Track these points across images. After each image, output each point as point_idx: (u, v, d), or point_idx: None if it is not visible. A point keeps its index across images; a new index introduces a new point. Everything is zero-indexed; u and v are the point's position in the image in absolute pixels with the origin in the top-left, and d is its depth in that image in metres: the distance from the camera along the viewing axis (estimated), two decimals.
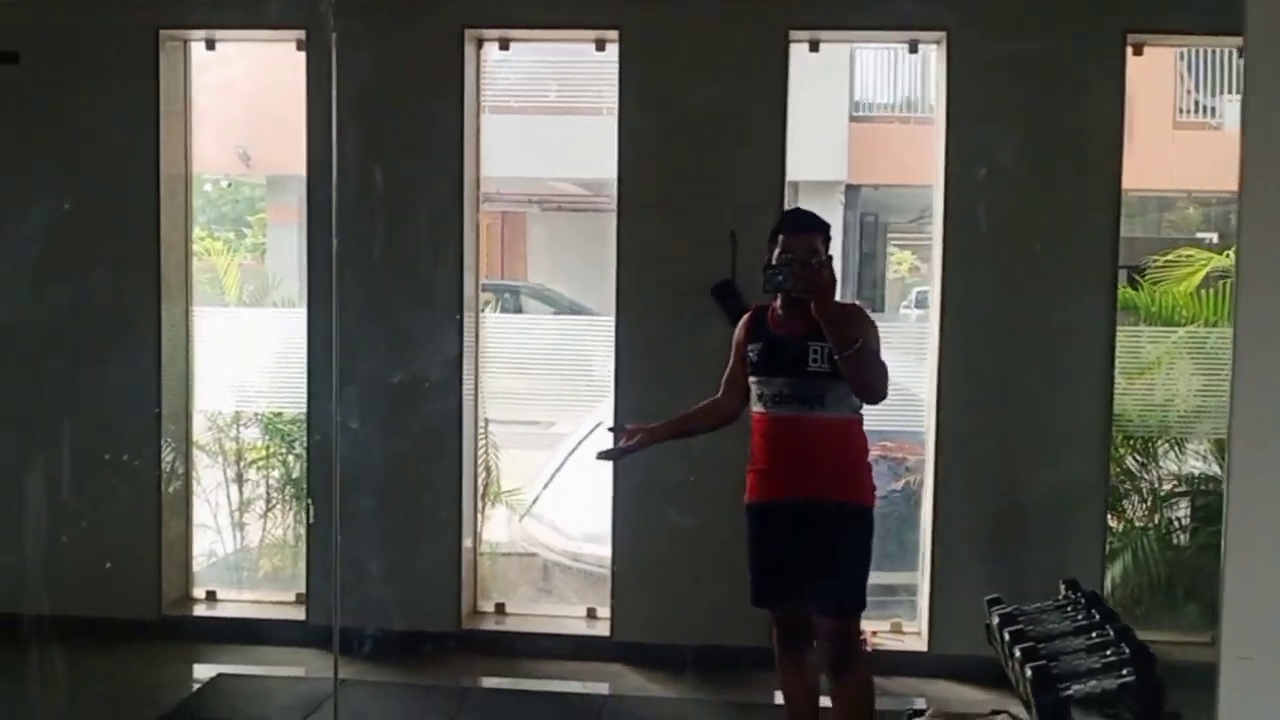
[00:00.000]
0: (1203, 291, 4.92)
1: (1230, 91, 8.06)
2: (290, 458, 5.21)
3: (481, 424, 4.84)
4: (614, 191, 4.49)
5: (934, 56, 4.72)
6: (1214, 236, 7.40)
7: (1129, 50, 4.26)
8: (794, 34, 4.35)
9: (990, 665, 4.27)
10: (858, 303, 3.93)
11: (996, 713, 2.54)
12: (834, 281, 3.17)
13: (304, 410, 4.71)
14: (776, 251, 3.29)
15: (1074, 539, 4.36)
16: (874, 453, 5.33)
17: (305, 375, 4.56)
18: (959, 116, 4.34)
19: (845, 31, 4.72)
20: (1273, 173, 1.52)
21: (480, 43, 4.53)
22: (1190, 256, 5.25)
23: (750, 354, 3.37)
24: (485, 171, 4.65)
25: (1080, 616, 2.49)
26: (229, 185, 9.97)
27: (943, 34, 4.34)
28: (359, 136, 4.30)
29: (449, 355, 4.47)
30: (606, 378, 4.54)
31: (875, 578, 5.00)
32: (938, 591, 4.46)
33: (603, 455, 3.60)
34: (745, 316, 3.54)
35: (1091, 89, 4.30)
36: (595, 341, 4.87)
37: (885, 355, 3.30)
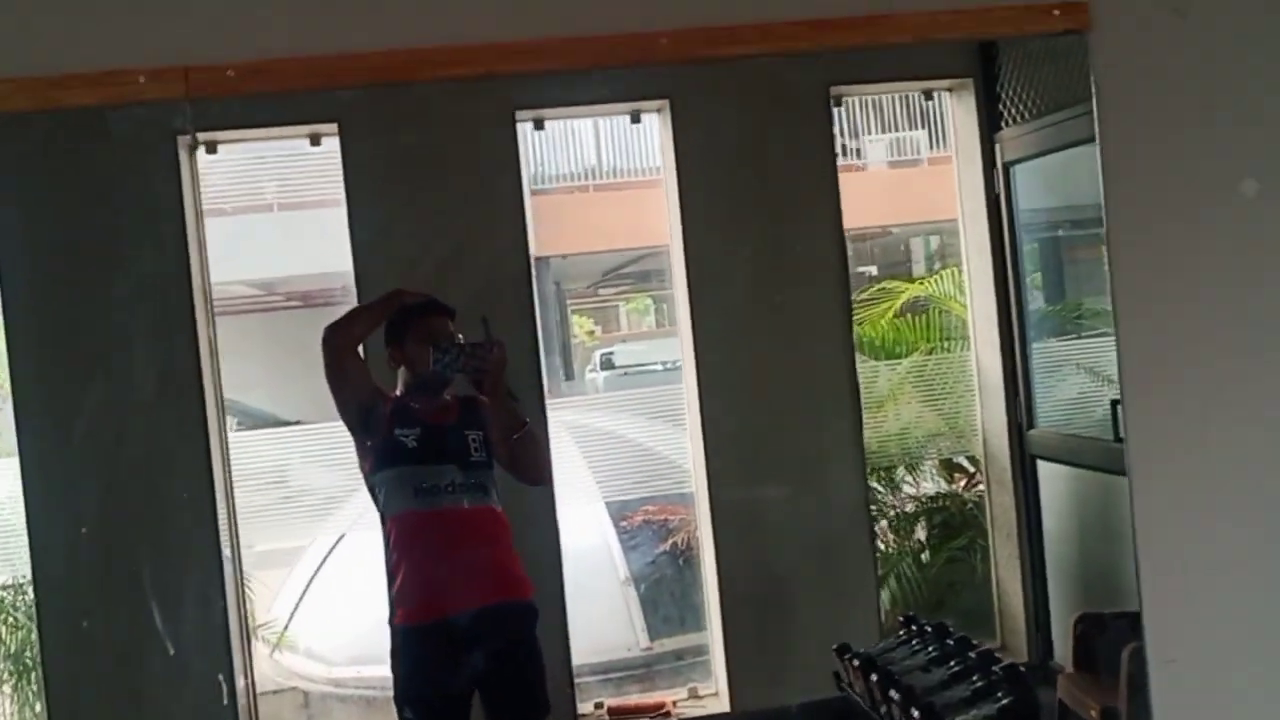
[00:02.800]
0: (915, 320, 5.31)
1: (871, 133, 8.78)
2: (4, 629, 4.57)
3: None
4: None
5: None
6: (874, 269, 8.04)
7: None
8: None
9: (786, 714, 4.41)
10: None
11: None
12: None
13: (17, 574, 4.34)
14: None
15: (846, 574, 4.53)
16: (639, 517, 5.41)
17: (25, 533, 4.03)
18: (689, 183, 4.47)
19: None
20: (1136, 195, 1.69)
21: None
22: (887, 290, 5.67)
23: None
24: None
25: (931, 649, 2.56)
26: None
27: None
28: None
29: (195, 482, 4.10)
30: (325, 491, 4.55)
31: (662, 644, 5.03)
32: (731, 648, 4.50)
33: None
34: None
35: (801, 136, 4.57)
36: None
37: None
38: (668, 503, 5.24)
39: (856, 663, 2.58)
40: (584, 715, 4.53)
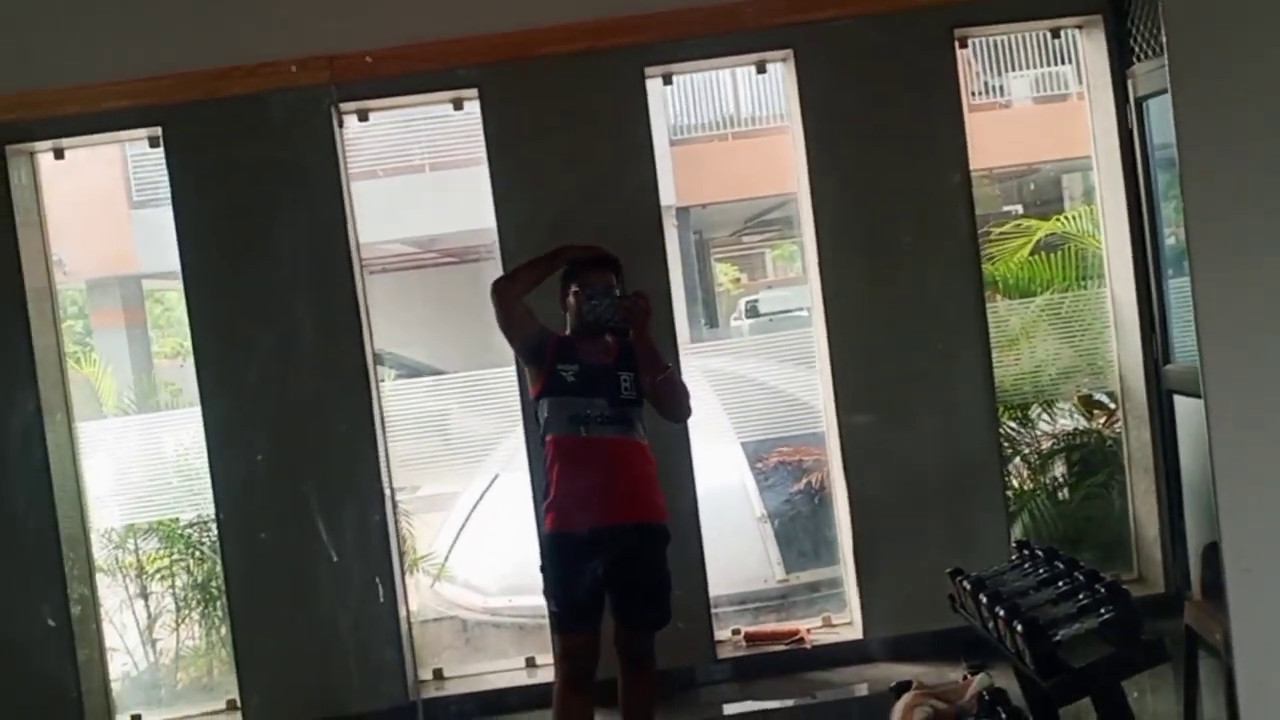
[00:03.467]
0: (1049, 258, 5.29)
1: (1016, 69, 8.60)
2: (191, 563, 5.05)
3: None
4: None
5: None
6: (1019, 208, 7.91)
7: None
8: None
9: (917, 640, 4.54)
10: None
11: (975, 670, 2.69)
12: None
13: (201, 513, 4.79)
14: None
15: (978, 509, 4.61)
16: (774, 458, 5.58)
17: (209, 476, 4.48)
18: (816, 131, 4.57)
19: None
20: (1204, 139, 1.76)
21: None
22: (1024, 226, 5.64)
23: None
24: None
25: (1041, 571, 2.67)
26: None
27: None
28: None
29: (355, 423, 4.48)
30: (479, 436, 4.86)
31: (798, 577, 5.22)
32: (863, 580, 4.65)
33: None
34: None
35: (926, 78, 4.60)
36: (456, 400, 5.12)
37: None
38: (802, 443, 5.39)
39: (968, 585, 2.71)
40: (721, 641, 4.76)
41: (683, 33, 1.99)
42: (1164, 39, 1.72)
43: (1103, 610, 2.34)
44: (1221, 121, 1.81)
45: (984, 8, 4.53)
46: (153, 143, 4.58)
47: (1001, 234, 5.60)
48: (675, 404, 3.62)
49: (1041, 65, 8.35)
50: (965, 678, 2.76)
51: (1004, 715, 2.47)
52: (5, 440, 4.39)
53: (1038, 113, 9.13)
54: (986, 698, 2.55)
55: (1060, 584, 2.54)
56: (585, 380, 3.52)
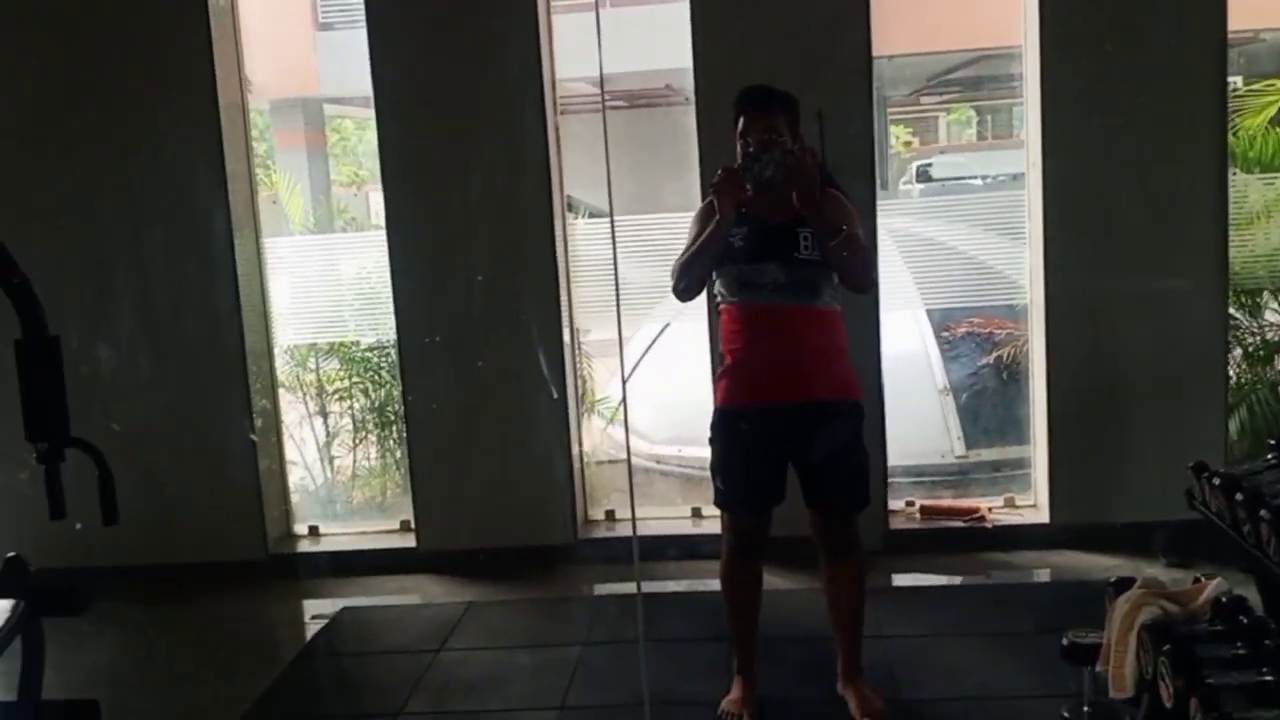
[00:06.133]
0: None
1: None
2: (370, 386, 5.09)
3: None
4: None
5: None
6: (1237, 80, 7.19)
7: None
8: None
9: (1108, 531, 4.29)
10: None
11: (1209, 577, 2.45)
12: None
13: (380, 338, 4.83)
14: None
15: (1192, 400, 4.28)
16: (962, 329, 5.29)
17: (391, 300, 4.45)
18: None
19: None
20: None
21: None
22: (1272, 86, 5.09)
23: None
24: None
25: None
26: None
27: None
28: None
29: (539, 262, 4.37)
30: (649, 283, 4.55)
31: (978, 454, 5.00)
32: (1055, 463, 4.40)
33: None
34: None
35: None
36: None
37: None
38: (995, 315, 5.10)
39: (1217, 481, 2.45)
40: (894, 512, 4.59)
41: None
42: None
43: None
44: None
45: None
46: None
47: (1249, 92, 5.06)
48: (852, 271, 3.02)
49: None
50: (1198, 581, 2.53)
51: (1246, 624, 2.24)
52: (200, 254, 4.43)
53: None
54: (1225, 603, 2.32)
55: None
56: (753, 243, 3.03)
